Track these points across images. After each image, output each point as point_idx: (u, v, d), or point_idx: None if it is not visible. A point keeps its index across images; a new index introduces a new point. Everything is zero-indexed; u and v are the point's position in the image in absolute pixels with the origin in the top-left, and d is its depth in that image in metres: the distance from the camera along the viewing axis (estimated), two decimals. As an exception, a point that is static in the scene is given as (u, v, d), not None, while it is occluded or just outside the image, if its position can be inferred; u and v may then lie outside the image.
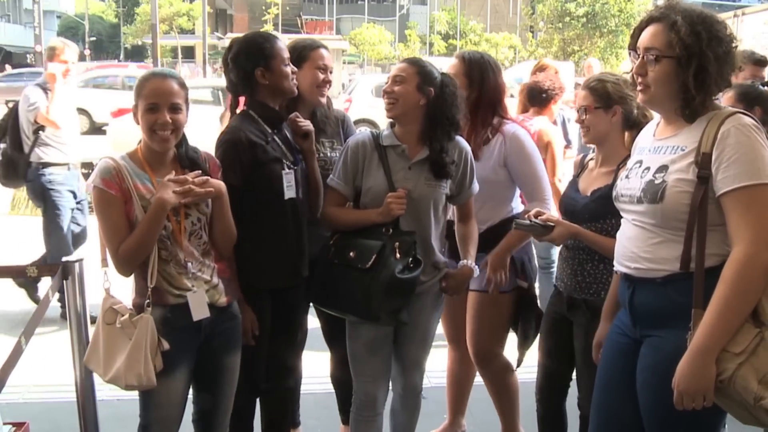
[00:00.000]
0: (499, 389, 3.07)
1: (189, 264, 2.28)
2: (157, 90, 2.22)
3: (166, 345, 2.21)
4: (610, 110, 2.51)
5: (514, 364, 3.02)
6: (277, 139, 2.59)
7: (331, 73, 2.90)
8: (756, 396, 1.73)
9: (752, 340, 1.75)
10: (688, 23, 1.88)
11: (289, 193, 2.57)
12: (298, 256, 2.64)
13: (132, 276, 2.29)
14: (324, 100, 2.90)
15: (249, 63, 2.55)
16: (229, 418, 2.52)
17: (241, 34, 2.86)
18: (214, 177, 2.34)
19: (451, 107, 2.54)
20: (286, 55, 2.60)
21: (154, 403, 2.29)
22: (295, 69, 2.64)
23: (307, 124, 2.67)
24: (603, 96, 2.51)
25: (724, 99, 3.32)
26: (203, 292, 2.30)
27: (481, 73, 2.86)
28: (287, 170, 2.57)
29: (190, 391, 2.42)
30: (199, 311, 2.29)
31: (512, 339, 3.04)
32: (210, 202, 2.31)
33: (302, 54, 2.83)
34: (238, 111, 2.67)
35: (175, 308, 2.26)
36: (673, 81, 1.91)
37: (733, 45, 1.91)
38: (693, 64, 1.87)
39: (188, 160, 2.33)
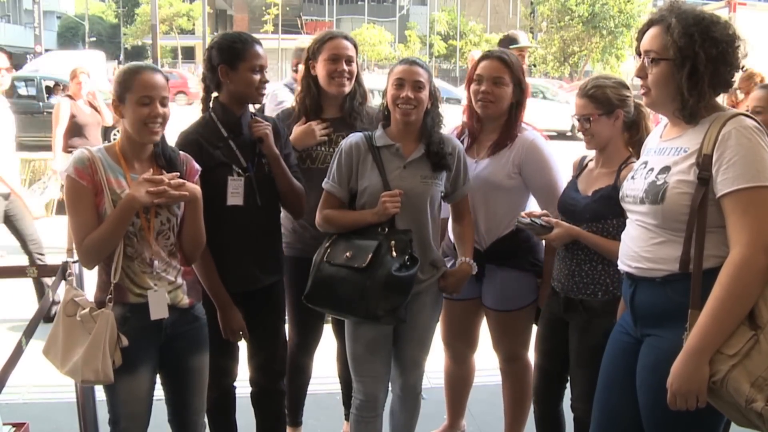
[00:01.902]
0: (517, 390, 3.04)
1: (155, 263, 2.28)
2: (150, 83, 2.22)
3: (125, 341, 2.20)
4: (613, 115, 2.50)
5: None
6: (232, 143, 2.56)
7: (350, 63, 2.87)
8: (747, 398, 1.72)
9: (746, 343, 1.75)
10: (682, 25, 1.89)
11: (234, 200, 2.52)
12: (250, 263, 2.61)
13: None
14: (346, 90, 2.88)
15: (216, 58, 2.54)
16: (204, 415, 2.53)
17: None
18: (190, 180, 2.33)
19: (437, 102, 2.61)
20: (260, 62, 2.53)
21: (120, 400, 2.29)
22: (268, 80, 2.59)
23: (260, 128, 2.56)
24: (604, 102, 2.49)
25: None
26: (164, 292, 2.29)
27: (522, 75, 2.82)
28: (236, 176, 2.53)
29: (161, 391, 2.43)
30: (158, 311, 2.28)
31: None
32: (182, 205, 2.31)
33: (316, 48, 2.87)
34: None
35: (135, 307, 2.25)
36: (670, 83, 1.92)
37: (735, 45, 1.91)
38: (687, 66, 1.88)
39: (165, 159, 2.32)
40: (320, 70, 2.87)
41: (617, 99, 2.50)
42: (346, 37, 2.92)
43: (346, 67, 2.85)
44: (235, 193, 2.53)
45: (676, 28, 1.89)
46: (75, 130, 6.31)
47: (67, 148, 6.35)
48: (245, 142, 2.58)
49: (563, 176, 2.82)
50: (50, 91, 14.70)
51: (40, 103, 14.17)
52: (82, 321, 2.21)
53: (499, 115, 2.78)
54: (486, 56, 2.82)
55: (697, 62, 1.87)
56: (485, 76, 2.75)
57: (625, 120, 2.53)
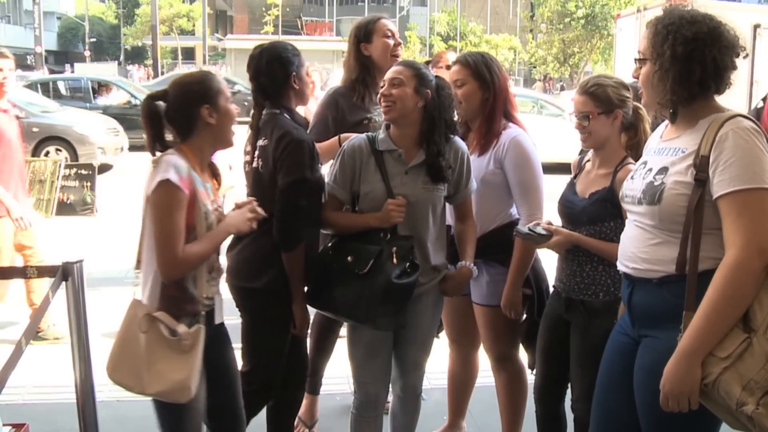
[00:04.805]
0: (510, 392, 3.03)
1: (215, 268, 2.31)
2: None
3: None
4: (612, 114, 2.49)
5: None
6: None
7: (398, 38, 3.25)
8: (738, 401, 1.71)
9: (739, 346, 1.74)
10: (659, 25, 1.91)
11: None
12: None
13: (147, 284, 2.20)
14: None
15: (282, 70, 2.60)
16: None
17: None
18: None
19: (447, 109, 2.55)
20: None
21: (190, 414, 2.23)
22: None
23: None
24: (605, 101, 2.48)
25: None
26: (221, 295, 2.34)
27: (490, 73, 2.80)
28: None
29: None
30: (220, 314, 2.34)
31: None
32: None
33: (369, 29, 3.18)
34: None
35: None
36: (650, 82, 1.95)
37: (719, 44, 1.87)
38: (656, 64, 1.90)
39: (213, 165, 2.37)
40: (377, 48, 3.17)
41: (617, 99, 2.49)
42: (388, 17, 3.31)
43: (399, 41, 3.23)
44: None
45: (653, 27, 1.92)
46: None
47: None
48: None
49: (542, 176, 2.80)
50: (95, 92, 14.94)
51: (87, 104, 14.21)
52: (180, 339, 2.12)
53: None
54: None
55: (663, 60, 1.88)
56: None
57: (623, 122, 2.53)
